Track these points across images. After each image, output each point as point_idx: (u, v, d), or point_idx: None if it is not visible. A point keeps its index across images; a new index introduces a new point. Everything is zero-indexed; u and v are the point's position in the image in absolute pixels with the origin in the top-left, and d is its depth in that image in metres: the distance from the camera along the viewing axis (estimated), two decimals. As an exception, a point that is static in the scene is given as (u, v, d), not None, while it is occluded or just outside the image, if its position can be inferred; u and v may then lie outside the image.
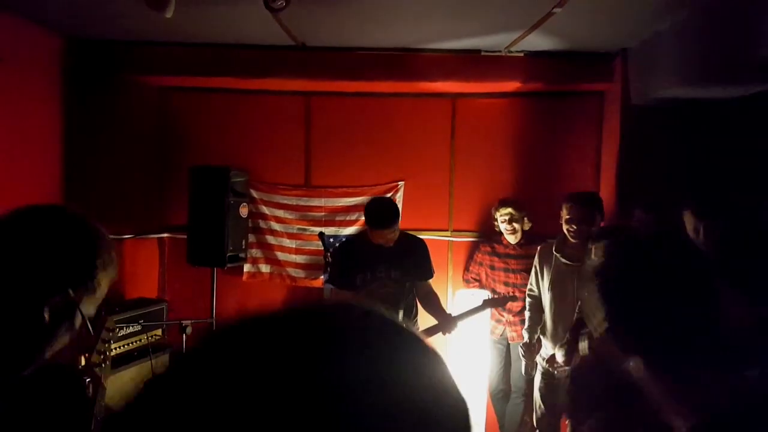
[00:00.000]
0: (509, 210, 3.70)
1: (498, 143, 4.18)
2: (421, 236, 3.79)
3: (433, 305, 3.17)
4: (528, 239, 3.76)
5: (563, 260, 3.15)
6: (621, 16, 3.12)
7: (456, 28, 3.40)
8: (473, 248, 4.04)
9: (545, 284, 3.26)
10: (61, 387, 1.67)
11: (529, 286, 3.43)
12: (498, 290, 3.72)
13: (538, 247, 3.39)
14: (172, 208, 4.19)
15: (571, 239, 3.12)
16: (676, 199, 3.25)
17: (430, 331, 3.04)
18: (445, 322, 3.07)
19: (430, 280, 3.20)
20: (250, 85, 4.05)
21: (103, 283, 1.12)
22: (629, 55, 3.65)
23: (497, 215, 3.73)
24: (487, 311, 3.53)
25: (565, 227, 3.12)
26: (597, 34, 3.45)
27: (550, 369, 3.15)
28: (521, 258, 3.73)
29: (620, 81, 3.67)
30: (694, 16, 3.02)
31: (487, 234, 3.98)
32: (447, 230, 4.17)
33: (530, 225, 3.76)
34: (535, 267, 3.36)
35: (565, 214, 3.11)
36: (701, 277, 0.85)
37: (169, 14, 2.74)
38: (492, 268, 3.80)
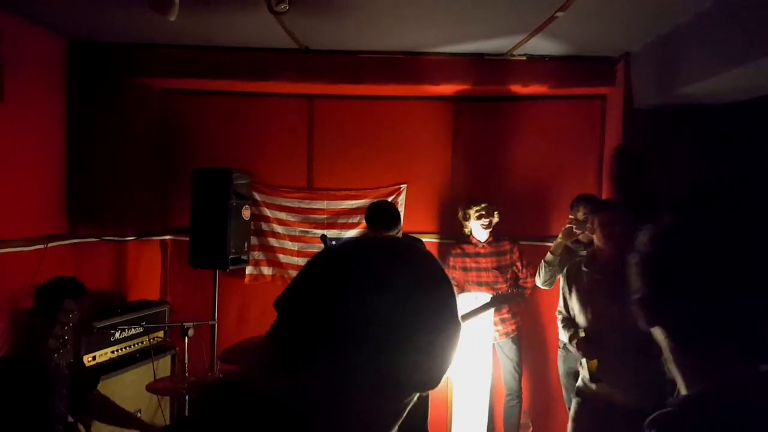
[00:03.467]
0: (484, 204, 3.71)
1: (500, 146, 4.18)
2: (423, 239, 3.79)
3: None
4: (495, 236, 3.78)
5: (596, 275, 2.71)
6: (624, 20, 3.12)
7: (459, 31, 3.41)
8: (445, 253, 3.99)
9: (576, 305, 2.83)
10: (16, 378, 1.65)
11: (558, 308, 2.99)
12: (472, 291, 3.71)
13: (565, 268, 2.97)
14: (174, 210, 4.20)
15: (604, 246, 2.70)
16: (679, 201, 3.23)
17: None
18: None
19: None
20: (253, 87, 4.06)
21: None
22: (632, 58, 3.65)
23: (471, 212, 3.72)
24: (491, 310, 3.53)
25: (598, 234, 2.71)
26: (600, 38, 3.45)
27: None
28: (491, 256, 3.75)
29: (623, 84, 3.67)
30: (697, 20, 3.02)
31: (456, 236, 3.95)
32: (450, 233, 4.16)
33: (498, 219, 3.78)
34: (563, 289, 2.92)
35: (597, 224, 2.71)
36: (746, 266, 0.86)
37: (172, 17, 2.75)
38: (465, 269, 3.78)
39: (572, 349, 2.83)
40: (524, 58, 3.78)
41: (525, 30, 3.32)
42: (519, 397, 3.78)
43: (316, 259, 0.72)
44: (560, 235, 3.47)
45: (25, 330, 1.63)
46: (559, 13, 2.99)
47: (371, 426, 0.68)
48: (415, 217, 4.08)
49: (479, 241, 3.77)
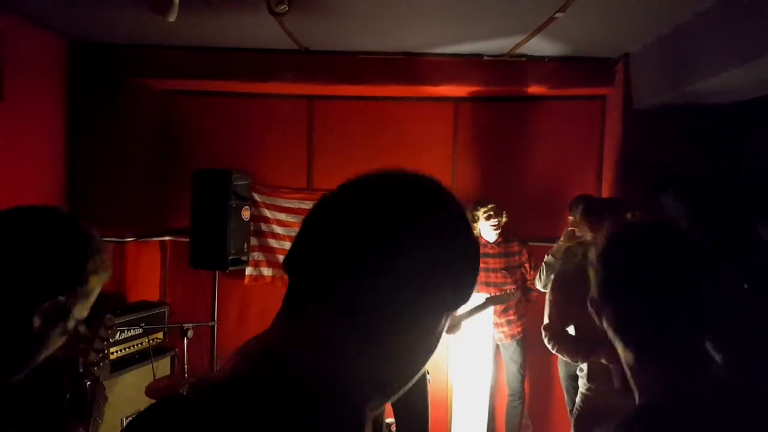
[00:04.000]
0: (492, 205, 3.72)
1: (500, 147, 4.18)
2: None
3: None
4: (504, 237, 3.78)
5: None
6: (623, 20, 3.12)
7: (458, 32, 3.41)
8: None
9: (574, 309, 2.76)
10: (55, 388, 1.66)
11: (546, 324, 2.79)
12: (479, 292, 3.70)
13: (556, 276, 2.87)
14: (174, 211, 4.20)
15: None
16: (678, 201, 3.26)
17: None
18: (449, 323, 3.08)
19: None
20: (253, 88, 4.06)
21: (95, 287, 1.10)
22: (631, 59, 3.65)
23: (479, 214, 3.71)
24: (490, 310, 3.53)
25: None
26: (599, 39, 3.45)
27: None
28: (499, 256, 3.74)
29: (622, 85, 3.67)
30: (696, 21, 3.02)
31: None
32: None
33: (506, 219, 3.77)
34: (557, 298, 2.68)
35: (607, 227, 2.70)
36: (695, 265, 0.93)
37: (172, 18, 2.75)
38: None
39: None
40: (524, 58, 3.78)
41: (524, 30, 3.32)
42: (522, 398, 3.78)
43: None
44: (562, 238, 3.45)
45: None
46: (558, 14, 2.99)
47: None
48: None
49: (488, 241, 3.77)
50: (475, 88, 3.92)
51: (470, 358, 3.71)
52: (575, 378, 3.06)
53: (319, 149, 4.24)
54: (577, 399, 2.59)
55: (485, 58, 3.79)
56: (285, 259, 0.68)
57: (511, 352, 3.78)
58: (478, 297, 3.52)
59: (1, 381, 1.02)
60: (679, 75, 3.17)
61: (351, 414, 0.61)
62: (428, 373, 3.07)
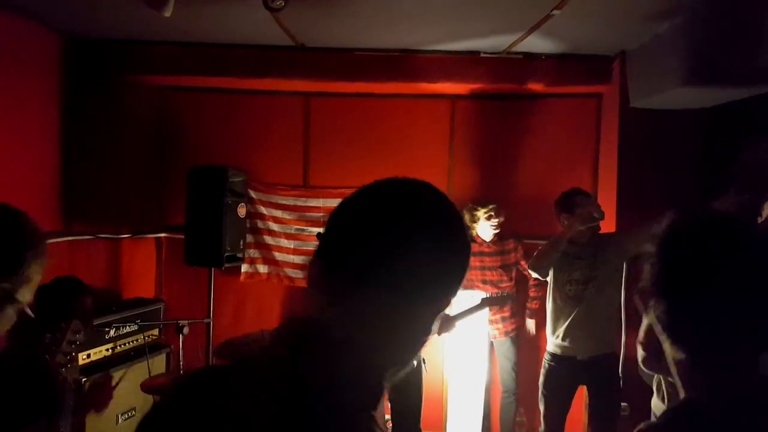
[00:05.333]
0: (493, 206, 3.72)
1: (496, 144, 4.18)
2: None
3: None
4: (500, 235, 3.78)
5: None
6: (619, 18, 3.13)
7: (455, 29, 3.40)
8: None
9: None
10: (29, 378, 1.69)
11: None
12: (476, 290, 3.71)
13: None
14: (170, 208, 4.18)
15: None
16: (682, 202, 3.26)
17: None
18: (444, 323, 3.09)
19: None
20: (249, 85, 4.04)
21: (35, 272, 1.25)
22: (628, 57, 3.66)
23: (480, 214, 3.71)
24: (486, 311, 3.53)
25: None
26: (596, 37, 3.45)
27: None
28: (495, 255, 3.75)
29: (619, 83, 3.67)
30: (692, 20, 3.03)
31: None
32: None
33: (503, 218, 3.77)
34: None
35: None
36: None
37: (168, 13, 2.74)
38: (470, 268, 3.77)
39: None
40: (521, 56, 3.78)
41: (521, 28, 3.32)
42: (515, 395, 3.79)
43: None
44: (577, 220, 3.04)
45: (25, 336, 1.65)
46: (555, 12, 2.99)
47: None
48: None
49: (484, 240, 3.77)
50: (472, 86, 3.92)
51: (466, 355, 3.72)
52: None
53: (315, 146, 4.23)
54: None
55: (482, 55, 3.78)
56: (318, 251, 0.80)
57: (504, 349, 3.79)
58: (474, 296, 3.54)
59: None
60: (675, 74, 3.17)
61: (373, 379, 0.75)
62: (425, 362, 3.07)
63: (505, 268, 3.76)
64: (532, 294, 3.84)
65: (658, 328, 0.95)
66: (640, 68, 3.54)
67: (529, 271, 3.31)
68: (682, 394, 0.93)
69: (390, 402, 3.09)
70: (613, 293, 3.07)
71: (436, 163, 4.19)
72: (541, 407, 3.19)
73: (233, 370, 0.77)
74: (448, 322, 3.09)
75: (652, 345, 0.99)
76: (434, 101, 4.18)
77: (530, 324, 3.85)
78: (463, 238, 0.81)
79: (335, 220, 0.81)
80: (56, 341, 1.76)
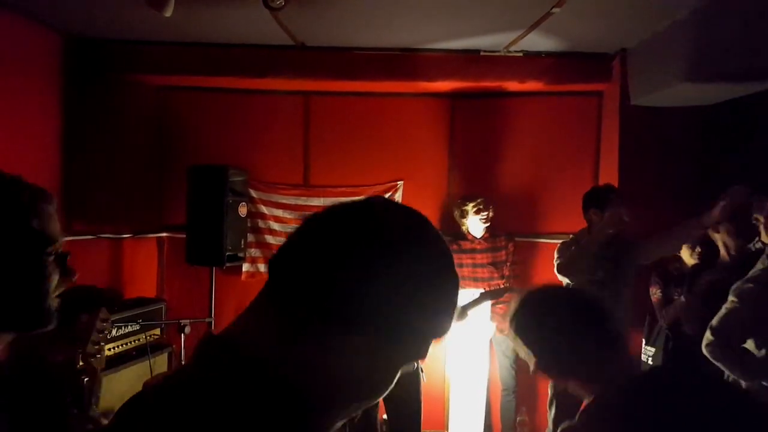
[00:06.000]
0: (481, 199, 3.72)
1: (496, 143, 4.18)
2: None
3: None
4: (492, 232, 3.78)
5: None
6: (620, 16, 3.12)
7: (455, 27, 3.40)
8: None
9: None
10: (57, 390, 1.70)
11: None
12: (468, 288, 3.70)
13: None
14: (171, 208, 4.19)
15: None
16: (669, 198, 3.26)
17: None
18: (458, 313, 3.08)
19: None
20: (249, 84, 4.05)
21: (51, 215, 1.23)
22: (628, 55, 3.65)
23: (469, 208, 3.71)
24: (486, 305, 3.52)
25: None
26: (596, 34, 3.45)
27: None
28: (487, 252, 3.75)
29: (619, 81, 3.67)
30: (694, 17, 3.02)
31: (453, 234, 3.92)
32: (445, 231, 4.16)
33: (493, 214, 3.77)
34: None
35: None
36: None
37: (168, 13, 2.74)
38: (459, 265, 3.75)
39: None
40: (521, 54, 3.78)
41: (521, 26, 3.32)
42: (515, 393, 3.79)
43: None
44: (608, 222, 2.99)
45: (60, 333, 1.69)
46: (555, 9, 2.99)
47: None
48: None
49: (475, 237, 3.77)
50: (472, 84, 3.92)
51: (467, 353, 3.72)
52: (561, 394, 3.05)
53: (315, 145, 4.23)
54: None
55: (482, 53, 3.78)
56: (271, 261, 0.69)
57: (504, 347, 3.79)
58: (470, 292, 3.53)
59: (26, 321, 1.12)
60: (676, 71, 3.17)
61: (300, 420, 0.62)
62: (422, 371, 3.07)
63: (496, 265, 3.76)
64: None
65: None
66: (641, 66, 3.54)
67: (558, 275, 3.19)
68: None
69: (387, 412, 3.07)
70: (627, 294, 3.08)
71: (435, 163, 4.19)
72: (552, 410, 3.18)
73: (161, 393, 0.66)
74: (461, 312, 3.07)
75: None
76: (434, 100, 4.18)
77: None
78: (435, 253, 0.68)
79: (300, 235, 0.69)
80: (86, 331, 1.79)
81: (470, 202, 3.73)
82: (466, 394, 3.76)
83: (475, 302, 3.18)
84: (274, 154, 4.23)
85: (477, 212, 3.71)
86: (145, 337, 3.56)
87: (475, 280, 3.73)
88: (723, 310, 2.35)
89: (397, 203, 0.74)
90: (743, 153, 3.57)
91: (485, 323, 3.70)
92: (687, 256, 3.25)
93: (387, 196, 4.04)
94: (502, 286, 3.56)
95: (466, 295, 3.58)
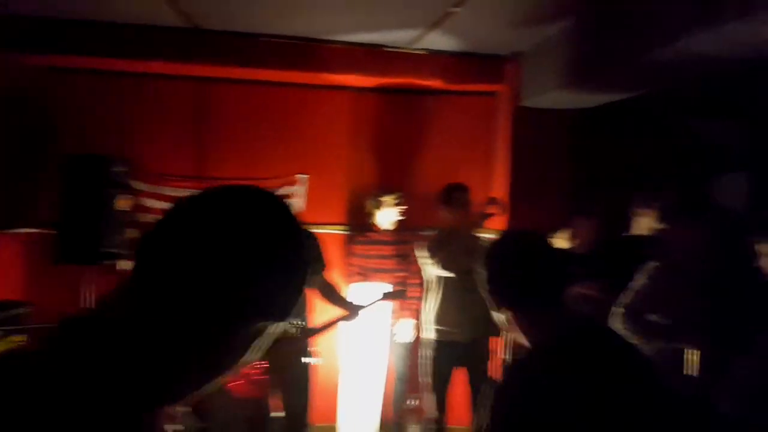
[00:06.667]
0: (399, 192, 3.76)
1: (400, 138, 4.20)
2: (323, 231, 3.70)
3: (335, 296, 3.13)
4: (399, 225, 3.81)
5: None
6: (514, 19, 3.27)
7: (358, 21, 3.38)
8: (347, 242, 3.99)
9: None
10: None
11: None
12: (373, 279, 3.71)
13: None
14: (42, 201, 3.73)
15: None
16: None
17: (338, 320, 2.97)
18: (351, 311, 3.03)
19: (325, 273, 3.13)
20: (138, 67, 3.72)
21: None
22: (521, 58, 3.82)
23: (388, 200, 3.73)
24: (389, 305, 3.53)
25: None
26: (493, 36, 3.58)
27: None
28: (393, 244, 3.77)
29: (512, 83, 3.83)
30: (575, 25, 3.22)
31: (360, 226, 3.92)
32: (348, 224, 4.11)
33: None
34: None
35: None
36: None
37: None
38: (367, 256, 3.78)
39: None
40: (424, 52, 3.82)
41: (423, 24, 3.36)
42: (407, 378, 3.82)
43: None
44: (457, 219, 3.37)
45: None
46: (455, 9, 3.05)
47: None
48: (317, 209, 3.97)
49: (384, 229, 3.76)
50: (376, 79, 3.91)
51: (365, 346, 3.70)
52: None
53: (212, 135, 3.98)
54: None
55: (386, 49, 3.77)
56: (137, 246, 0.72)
57: (395, 338, 3.81)
58: (374, 289, 3.51)
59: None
60: (564, 75, 3.36)
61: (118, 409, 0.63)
62: (314, 362, 3.00)
63: (401, 257, 3.78)
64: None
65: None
66: (530, 69, 3.73)
67: (435, 269, 3.34)
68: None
69: (282, 398, 3.00)
70: None
71: (339, 155, 4.12)
72: (428, 393, 3.35)
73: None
74: (354, 311, 3.02)
75: None
76: (340, 93, 4.10)
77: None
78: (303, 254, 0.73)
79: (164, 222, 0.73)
80: None
81: (389, 194, 3.74)
82: (360, 386, 3.74)
83: (374, 303, 3.16)
84: (166, 143, 3.92)
85: (396, 205, 3.73)
86: (7, 344, 3.15)
87: (380, 272, 3.71)
88: (632, 287, 2.67)
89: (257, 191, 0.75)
90: (627, 153, 3.89)
91: (386, 318, 3.69)
92: (562, 242, 3.45)
93: (289, 190, 3.91)
94: (400, 288, 3.54)
95: (368, 288, 3.56)
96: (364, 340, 3.71)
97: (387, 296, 3.19)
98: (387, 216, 3.75)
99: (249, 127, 4.00)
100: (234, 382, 2.83)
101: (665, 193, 3.36)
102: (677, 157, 3.95)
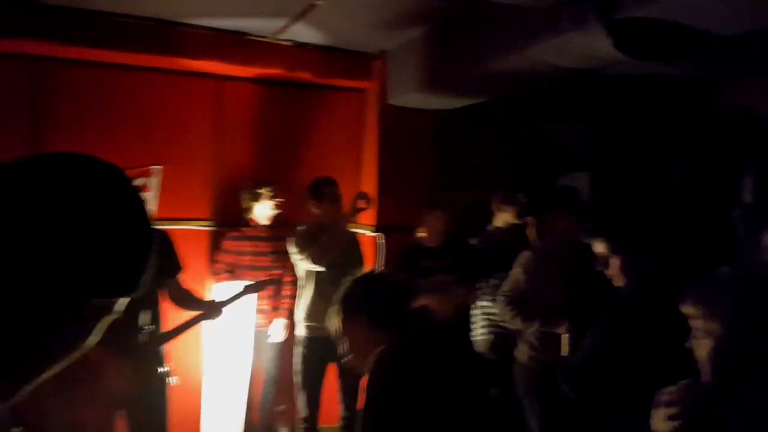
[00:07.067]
0: (275, 185, 3.65)
1: (269, 131, 4.06)
2: (179, 227, 3.50)
3: (192, 300, 2.96)
4: (276, 220, 3.72)
5: None
6: (378, 17, 3.30)
7: (220, 5, 3.21)
8: (217, 237, 3.84)
9: None
10: None
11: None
12: (245, 277, 3.59)
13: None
14: None
15: None
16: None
17: (196, 320, 2.79)
18: (210, 309, 2.87)
19: (180, 276, 2.96)
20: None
21: None
22: (388, 56, 3.89)
23: (264, 192, 3.61)
24: (254, 297, 3.41)
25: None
26: (358, 32, 3.60)
27: None
28: (269, 240, 3.67)
29: (379, 80, 3.89)
30: (437, 28, 3.34)
31: (228, 220, 3.80)
32: (210, 220, 3.92)
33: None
34: None
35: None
36: None
37: None
38: (240, 253, 3.66)
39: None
40: (290, 43, 3.74)
41: (288, 14, 3.29)
42: (277, 382, 3.76)
43: None
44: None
45: None
46: (318, 2, 3.02)
47: None
48: (176, 203, 3.73)
49: (260, 224, 3.64)
50: (240, 68, 3.75)
51: (228, 349, 3.56)
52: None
53: (48, 121, 3.55)
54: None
55: (250, 37, 3.64)
56: None
57: (266, 339, 3.72)
58: (243, 283, 3.39)
59: None
60: (428, 74, 3.48)
61: None
62: (170, 374, 2.76)
63: (278, 254, 3.68)
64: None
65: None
66: (395, 68, 3.81)
67: (307, 263, 3.29)
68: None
69: (129, 420, 2.67)
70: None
71: (201, 146, 3.90)
72: (300, 391, 3.32)
73: None
74: (214, 309, 2.87)
75: None
76: (200, 80, 3.86)
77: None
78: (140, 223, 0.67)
79: None
80: None
81: (265, 186, 3.61)
82: (225, 392, 3.60)
83: (236, 297, 3.04)
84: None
85: (271, 197, 3.60)
86: None
87: (254, 269, 3.58)
88: (512, 276, 3.03)
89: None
90: (485, 152, 4.12)
91: (249, 317, 3.59)
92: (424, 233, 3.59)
93: (140, 182, 3.63)
94: (268, 278, 3.46)
95: (231, 286, 3.41)
96: (228, 342, 3.57)
97: (249, 289, 3.08)
98: (262, 210, 3.64)
99: (97, 113, 3.63)
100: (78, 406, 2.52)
101: (521, 190, 3.64)
102: (529, 157, 4.27)
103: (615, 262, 2.00)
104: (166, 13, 3.35)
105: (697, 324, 1.23)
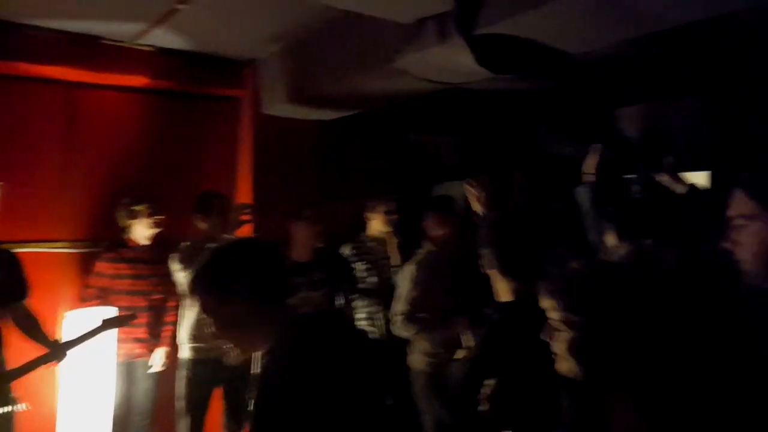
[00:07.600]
0: (148, 203, 3.36)
1: (131, 141, 3.76)
2: (26, 249, 3.15)
3: (37, 332, 2.66)
4: (157, 241, 3.44)
5: None
6: (244, 26, 3.21)
7: (66, 5, 2.93)
8: (87, 260, 3.51)
9: None
10: None
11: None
12: (121, 303, 3.29)
13: None
14: None
15: None
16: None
17: (38, 362, 2.47)
18: (54, 351, 2.57)
19: (27, 302, 2.65)
20: None
21: None
22: (258, 64, 3.81)
23: (141, 210, 3.32)
24: (113, 331, 3.10)
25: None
26: (225, 40, 3.49)
27: None
28: (151, 262, 3.39)
29: (251, 89, 3.78)
30: (303, 41, 3.33)
31: (110, 241, 3.48)
32: (65, 240, 3.54)
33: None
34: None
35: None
36: None
37: None
38: (117, 276, 3.34)
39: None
40: (151, 49, 3.51)
41: (147, 18, 3.09)
42: (151, 415, 3.47)
43: None
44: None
45: None
46: (181, 6, 2.86)
47: None
48: (14, 223, 3.30)
49: (140, 245, 3.33)
50: (93, 74, 3.45)
51: (87, 385, 3.21)
52: None
53: None
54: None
55: (104, 41, 3.37)
56: None
57: (143, 370, 3.42)
58: (116, 309, 3.09)
59: None
60: (307, 83, 3.43)
61: None
62: (19, 407, 2.45)
63: (159, 277, 3.37)
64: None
65: None
66: (266, 77, 3.74)
67: (180, 275, 3.10)
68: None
69: None
70: None
71: (51, 159, 3.52)
72: (183, 418, 3.14)
73: None
74: (59, 350, 2.57)
75: None
76: (49, 87, 3.48)
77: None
78: None
79: None
80: None
81: (141, 203, 3.31)
82: (82, 426, 3.24)
83: (89, 334, 2.74)
84: None
85: (149, 215, 3.31)
86: None
87: (132, 294, 3.28)
88: (403, 292, 3.08)
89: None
90: (361, 162, 4.15)
91: (110, 350, 3.25)
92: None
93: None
94: (129, 314, 3.13)
95: (100, 312, 3.08)
96: (86, 377, 3.21)
97: (108, 324, 2.79)
98: (141, 229, 3.33)
99: None
100: None
101: (395, 199, 3.69)
102: (406, 167, 4.37)
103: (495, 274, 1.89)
104: (4, 13, 3.00)
105: (554, 315, 1.26)
